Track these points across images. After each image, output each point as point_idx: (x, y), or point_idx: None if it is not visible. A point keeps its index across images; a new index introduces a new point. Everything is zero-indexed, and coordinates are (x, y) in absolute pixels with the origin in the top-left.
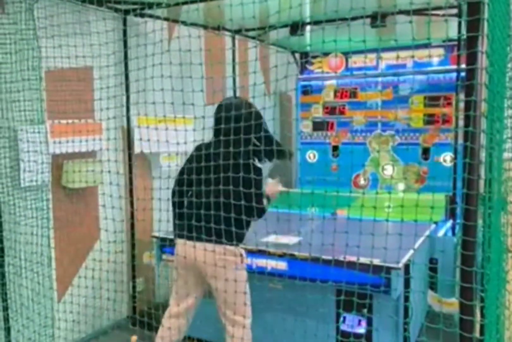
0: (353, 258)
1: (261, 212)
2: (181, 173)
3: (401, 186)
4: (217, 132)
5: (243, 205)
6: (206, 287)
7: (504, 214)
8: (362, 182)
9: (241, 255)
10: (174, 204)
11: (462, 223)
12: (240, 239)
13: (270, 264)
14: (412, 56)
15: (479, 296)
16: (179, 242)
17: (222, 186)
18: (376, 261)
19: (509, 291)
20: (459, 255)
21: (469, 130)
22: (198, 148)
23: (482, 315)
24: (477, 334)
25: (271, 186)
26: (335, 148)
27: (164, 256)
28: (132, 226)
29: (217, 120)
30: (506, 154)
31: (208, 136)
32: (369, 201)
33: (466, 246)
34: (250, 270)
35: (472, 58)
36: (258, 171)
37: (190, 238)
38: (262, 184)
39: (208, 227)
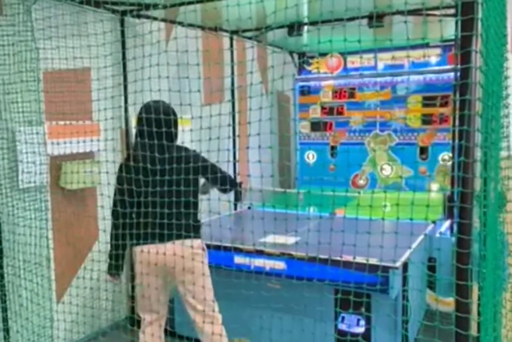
0: (351, 258)
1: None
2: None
3: (434, 187)
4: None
5: (192, 193)
6: (171, 289)
7: (501, 212)
8: (360, 181)
9: (203, 249)
10: (118, 213)
11: (458, 221)
12: (199, 231)
13: (268, 263)
14: (410, 56)
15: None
16: (138, 249)
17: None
18: (374, 260)
19: (505, 289)
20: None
21: (463, 129)
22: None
23: (479, 313)
24: (474, 332)
25: None
26: (334, 148)
27: None
28: None
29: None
30: (502, 153)
31: (205, 136)
32: (368, 200)
33: (462, 244)
34: (248, 269)
35: (466, 58)
36: (196, 157)
37: (149, 242)
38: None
39: (170, 226)
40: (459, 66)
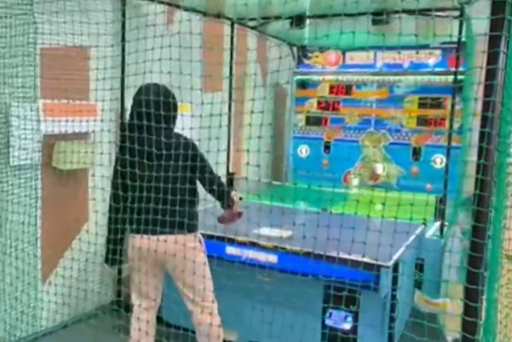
0: (343, 254)
1: (213, 180)
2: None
3: (355, 181)
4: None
5: (188, 188)
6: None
7: (502, 218)
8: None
9: (200, 241)
10: (117, 196)
11: (472, 225)
12: (195, 224)
13: (260, 256)
14: (409, 57)
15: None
16: (135, 236)
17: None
18: (366, 259)
19: (502, 295)
20: (466, 256)
21: (485, 131)
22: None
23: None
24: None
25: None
26: (328, 144)
27: None
28: None
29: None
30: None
31: (205, 123)
32: (365, 198)
33: (475, 247)
34: (240, 261)
35: (493, 58)
36: (193, 147)
37: (147, 232)
38: (203, 157)
39: (164, 219)
40: (485, 66)
